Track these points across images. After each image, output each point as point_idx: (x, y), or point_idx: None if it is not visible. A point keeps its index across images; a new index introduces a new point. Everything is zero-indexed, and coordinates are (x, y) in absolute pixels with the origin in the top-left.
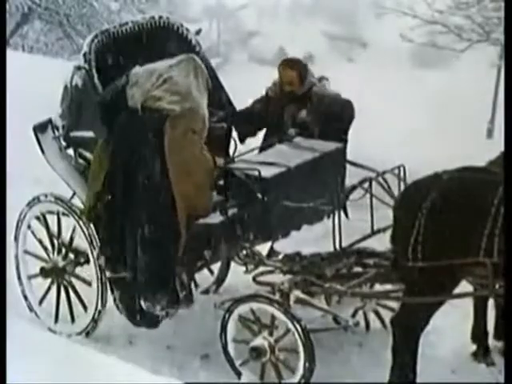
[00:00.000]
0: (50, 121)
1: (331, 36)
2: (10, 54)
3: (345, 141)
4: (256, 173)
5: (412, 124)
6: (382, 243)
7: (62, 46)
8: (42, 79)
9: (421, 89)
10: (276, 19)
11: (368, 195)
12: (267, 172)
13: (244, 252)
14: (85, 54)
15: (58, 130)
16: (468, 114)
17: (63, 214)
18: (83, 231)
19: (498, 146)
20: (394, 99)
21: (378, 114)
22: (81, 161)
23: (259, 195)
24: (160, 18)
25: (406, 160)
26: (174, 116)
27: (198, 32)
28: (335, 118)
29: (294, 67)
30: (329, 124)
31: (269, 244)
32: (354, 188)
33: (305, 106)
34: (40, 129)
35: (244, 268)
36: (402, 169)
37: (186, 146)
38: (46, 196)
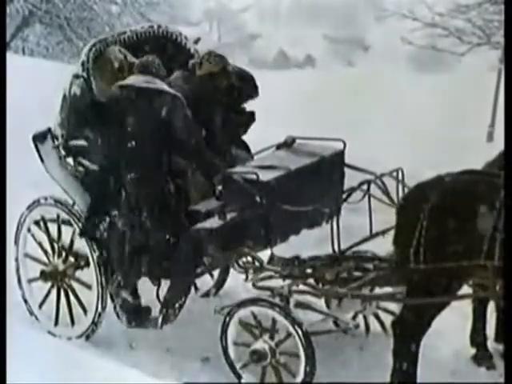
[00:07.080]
0: (49, 130)
1: (332, 39)
2: (11, 57)
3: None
4: (254, 176)
5: (412, 127)
6: (381, 246)
7: (62, 50)
8: (43, 82)
9: (421, 92)
10: (277, 22)
11: (367, 198)
12: (266, 175)
13: (244, 258)
14: (83, 63)
15: (57, 139)
16: (468, 117)
17: (63, 218)
18: None
19: (498, 150)
20: (394, 102)
21: (378, 117)
22: (80, 169)
23: (258, 199)
24: (159, 27)
25: (407, 163)
26: None
27: (197, 41)
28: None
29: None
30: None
31: (269, 251)
32: (353, 190)
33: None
34: (39, 138)
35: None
36: (400, 171)
37: None
38: (45, 199)
